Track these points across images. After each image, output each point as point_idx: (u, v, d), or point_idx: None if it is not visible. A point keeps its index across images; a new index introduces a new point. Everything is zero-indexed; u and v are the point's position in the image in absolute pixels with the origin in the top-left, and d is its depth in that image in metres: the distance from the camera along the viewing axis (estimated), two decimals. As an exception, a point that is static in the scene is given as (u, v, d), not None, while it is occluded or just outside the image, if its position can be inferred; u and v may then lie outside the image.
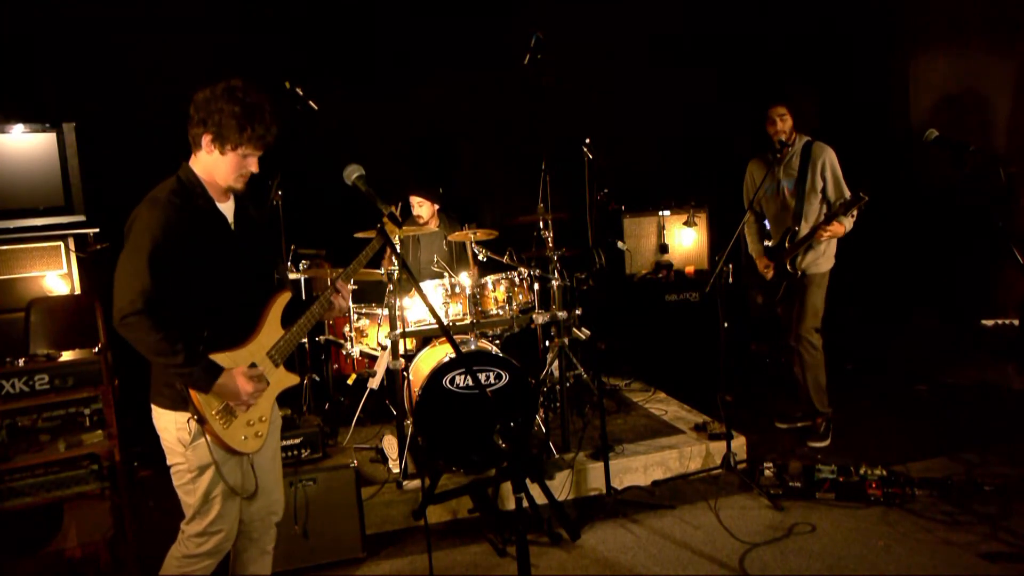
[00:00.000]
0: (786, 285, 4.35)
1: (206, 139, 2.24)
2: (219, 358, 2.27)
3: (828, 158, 4.26)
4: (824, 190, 4.26)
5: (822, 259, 4.29)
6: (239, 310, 2.38)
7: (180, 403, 2.24)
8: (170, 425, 2.29)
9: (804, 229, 4.24)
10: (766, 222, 4.52)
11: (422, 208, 4.98)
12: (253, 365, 2.34)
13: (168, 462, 2.35)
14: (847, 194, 4.19)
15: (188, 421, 2.24)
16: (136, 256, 2.15)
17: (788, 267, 4.28)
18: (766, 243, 4.45)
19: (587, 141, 4.08)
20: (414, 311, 4.22)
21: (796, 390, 4.51)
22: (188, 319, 2.23)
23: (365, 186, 2.13)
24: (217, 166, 2.28)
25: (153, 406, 2.34)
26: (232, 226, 2.39)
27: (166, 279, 2.16)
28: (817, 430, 4.40)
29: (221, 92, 2.22)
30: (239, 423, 2.31)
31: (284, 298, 2.49)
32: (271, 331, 2.43)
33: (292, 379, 2.52)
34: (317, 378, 4.94)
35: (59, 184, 4.24)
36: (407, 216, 5.08)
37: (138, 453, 4.55)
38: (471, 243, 4.51)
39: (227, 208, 2.40)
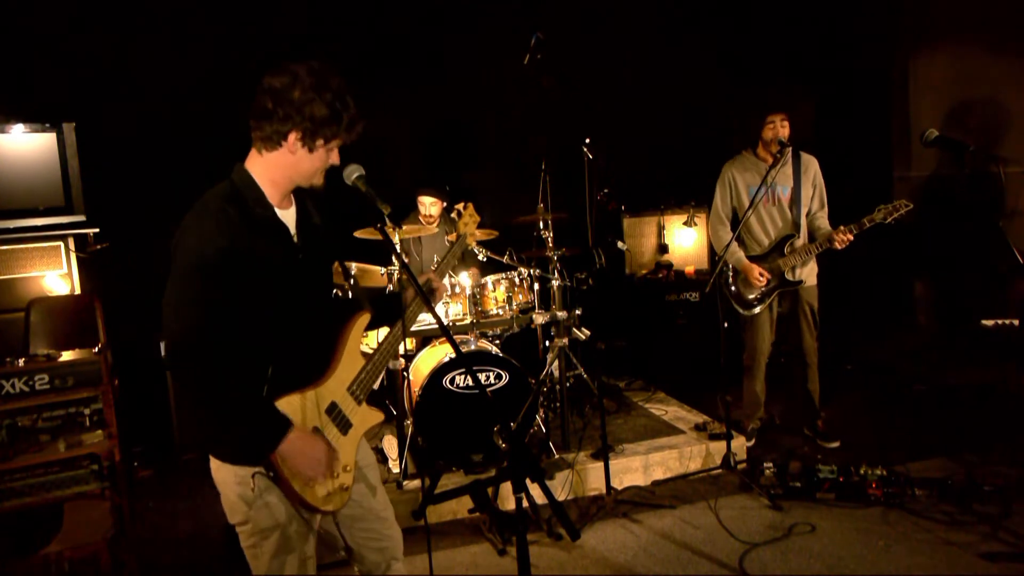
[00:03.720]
0: (776, 296, 4.29)
1: (293, 136, 1.88)
2: (291, 401, 1.91)
3: (817, 167, 4.32)
4: (812, 199, 4.29)
5: (814, 273, 4.34)
6: (309, 339, 2.02)
7: (243, 456, 1.91)
8: (229, 479, 1.92)
9: (800, 239, 4.23)
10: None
11: (433, 208, 4.95)
12: (334, 405, 2.01)
13: (230, 520, 1.98)
14: (826, 205, 4.29)
15: (253, 476, 1.89)
16: (185, 281, 1.80)
17: (790, 276, 4.24)
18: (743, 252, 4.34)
19: (587, 141, 4.08)
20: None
21: (798, 395, 4.50)
22: (249, 355, 1.90)
23: (365, 186, 2.07)
24: (299, 165, 1.94)
25: (211, 456, 1.97)
26: (295, 237, 2.01)
27: (222, 307, 1.82)
28: (824, 431, 4.40)
29: (308, 80, 1.85)
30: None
31: (363, 321, 2.13)
32: (351, 362, 2.07)
33: (376, 416, 2.14)
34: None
35: (59, 184, 4.24)
36: (411, 215, 5.08)
37: (138, 453, 4.57)
38: (472, 243, 4.51)
39: (288, 215, 2.02)
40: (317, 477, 1.92)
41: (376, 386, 2.20)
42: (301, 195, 2.09)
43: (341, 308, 2.18)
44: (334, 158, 1.99)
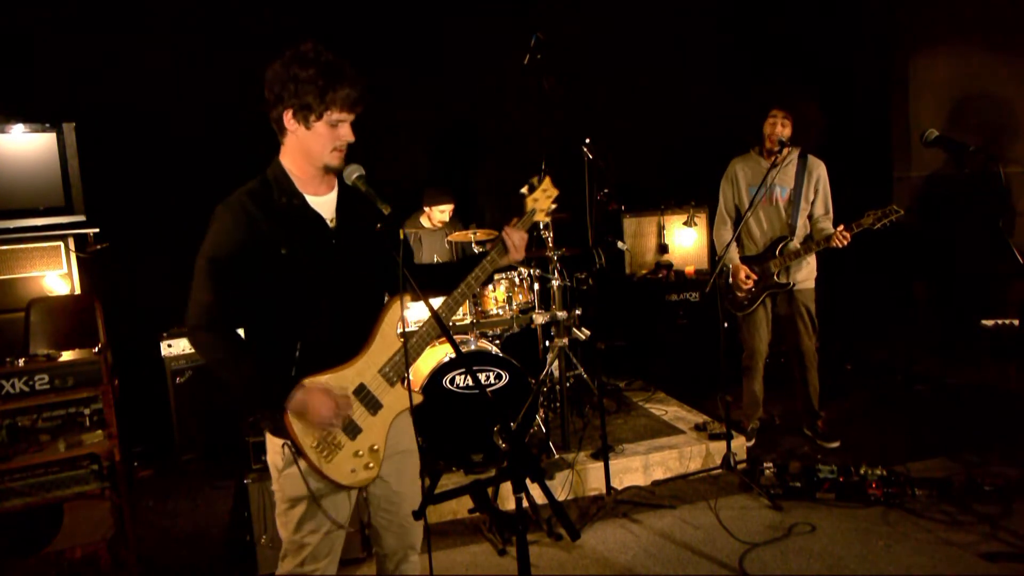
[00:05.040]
0: (767, 296, 4.29)
1: (288, 116, 1.97)
2: (317, 381, 2.00)
3: (822, 172, 4.30)
4: (813, 203, 4.28)
5: (811, 276, 4.33)
6: (343, 322, 2.08)
7: (277, 428, 2.02)
8: (270, 448, 2.09)
9: (794, 241, 4.23)
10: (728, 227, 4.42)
11: (447, 214, 4.97)
12: (362, 387, 2.08)
13: (273, 487, 2.15)
14: (831, 211, 4.27)
15: (283, 447, 2.01)
16: (201, 265, 1.95)
17: (780, 278, 4.23)
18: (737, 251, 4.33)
19: (587, 141, 4.08)
20: (414, 311, 4.22)
21: (798, 396, 4.50)
22: (276, 335, 2.02)
23: (365, 185, 2.08)
24: (307, 144, 2.00)
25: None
26: (332, 222, 2.08)
27: (237, 290, 1.96)
28: (824, 431, 4.40)
29: (290, 59, 1.95)
30: (345, 455, 2.03)
31: (399, 304, 2.16)
32: (384, 345, 2.12)
33: (413, 397, 2.18)
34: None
35: (59, 184, 4.24)
36: (413, 215, 5.09)
37: (138, 453, 4.57)
38: (472, 243, 4.51)
39: (325, 202, 2.09)
40: (330, 421, 1.97)
41: None
42: (337, 171, 2.10)
43: (382, 287, 2.20)
44: (344, 133, 2.01)
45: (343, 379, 2.05)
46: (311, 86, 1.92)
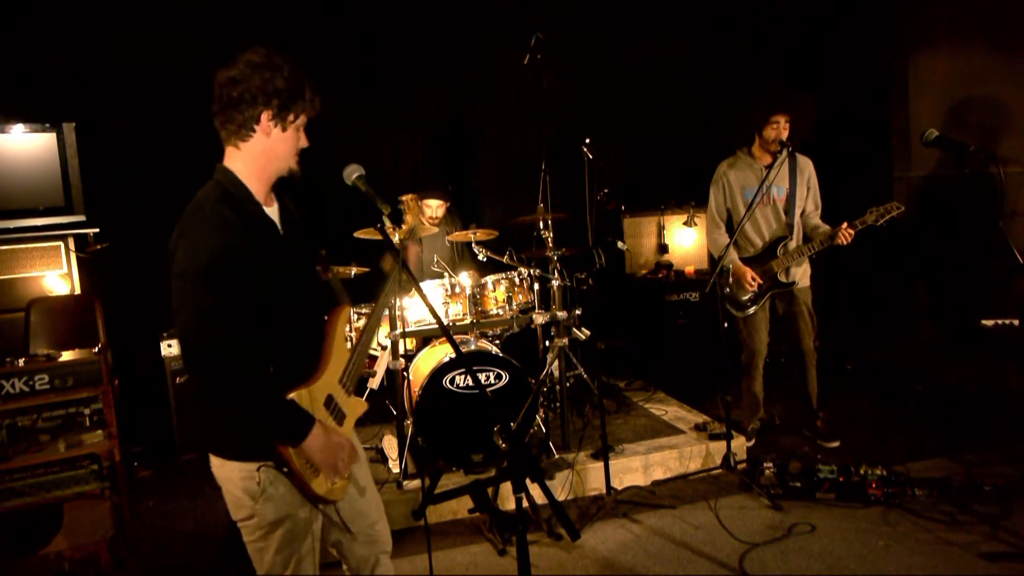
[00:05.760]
0: (770, 296, 4.30)
1: (265, 116, 1.90)
2: (299, 396, 1.94)
3: (811, 169, 4.32)
4: (806, 200, 4.30)
5: (807, 273, 4.35)
6: (302, 334, 2.05)
7: (247, 452, 1.91)
8: (234, 476, 1.93)
9: (793, 240, 4.24)
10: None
11: (440, 210, 4.96)
12: (330, 398, 2.04)
13: (234, 517, 1.99)
14: (820, 206, 4.32)
15: (259, 470, 1.91)
16: (196, 289, 1.79)
17: (783, 277, 4.24)
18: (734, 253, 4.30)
19: (587, 141, 4.08)
20: (414, 311, 4.22)
21: (799, 394, 4.50)
22: (257, 352, 1.90)
23: (365, 186, 2.08)
24: (277, 147, 1.95)
25: (211, 456, 1.98)
26: (281, 232, 2.04)
27: (235, 309, 1.83)
28: (824, 431, 4.40)
29: (263, 63, 1.90)
30: None
31: (346, 313, 2.19)
32: (339, 354, 2.12)
33: (361, 405, 2.20)
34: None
35: (59, 184, 4.25)
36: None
37: (138, 453, 4.57)
38: (472, 243, 4.51)
39: (272, 212, 2.04)
40: (343, 467, 1.98)
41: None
42: (278, 191, 2.10)
43: (322, 300, 2.21)
44: (303, 140, 2.02)
45: (316, 392, 2.00)
46: (291, 86, 1.91)
